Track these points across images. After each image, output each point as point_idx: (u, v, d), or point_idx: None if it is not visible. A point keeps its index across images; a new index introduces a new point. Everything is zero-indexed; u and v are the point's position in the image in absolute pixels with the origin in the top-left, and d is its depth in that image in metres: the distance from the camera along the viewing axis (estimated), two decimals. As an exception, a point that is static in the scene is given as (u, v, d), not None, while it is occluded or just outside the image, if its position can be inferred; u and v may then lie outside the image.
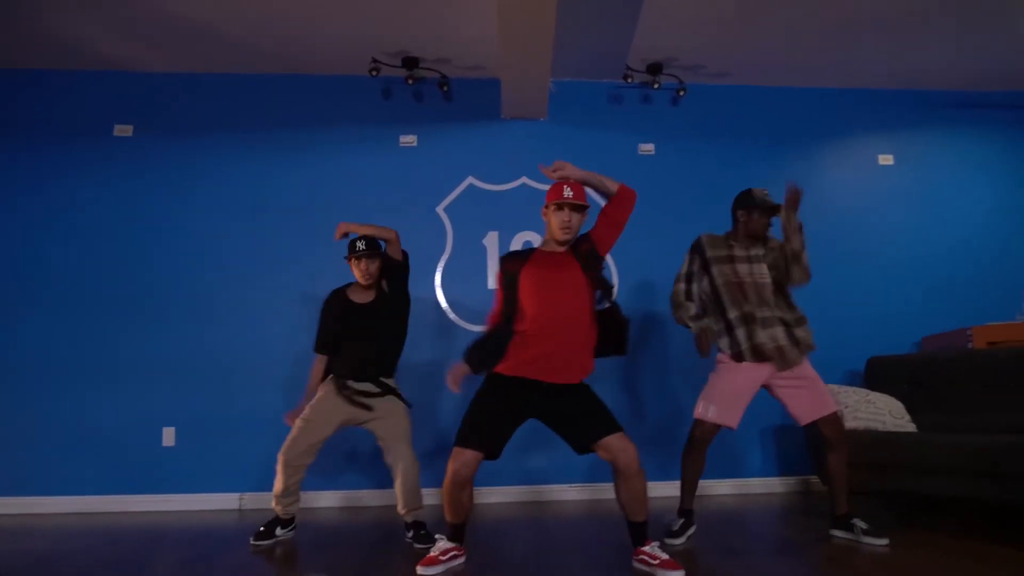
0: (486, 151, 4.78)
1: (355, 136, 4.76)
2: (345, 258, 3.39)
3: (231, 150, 4.69)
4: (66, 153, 4.58)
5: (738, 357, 3.09)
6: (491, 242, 4.68)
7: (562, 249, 2.79)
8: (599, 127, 4.90)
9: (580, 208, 2.76)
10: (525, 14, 3.57)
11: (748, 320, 3.09)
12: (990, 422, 3.55)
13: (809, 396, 3.07)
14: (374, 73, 4.52)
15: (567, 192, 2.72)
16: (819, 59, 4.75)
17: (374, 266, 3.35)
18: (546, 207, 2.80)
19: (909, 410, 3.96)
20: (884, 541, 2.87)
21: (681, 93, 4.87)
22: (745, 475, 4.55)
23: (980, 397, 3.72)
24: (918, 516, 3.55)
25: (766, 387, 3.15)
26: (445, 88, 4.72)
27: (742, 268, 3.16)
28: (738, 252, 3.19)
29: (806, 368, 3.10)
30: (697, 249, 3.28)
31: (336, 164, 4.71)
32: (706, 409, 3.10)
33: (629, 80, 4.76)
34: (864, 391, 4.04)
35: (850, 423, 3.82)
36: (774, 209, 3.20)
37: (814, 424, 3.07)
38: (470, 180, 4.75)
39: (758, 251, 3.21)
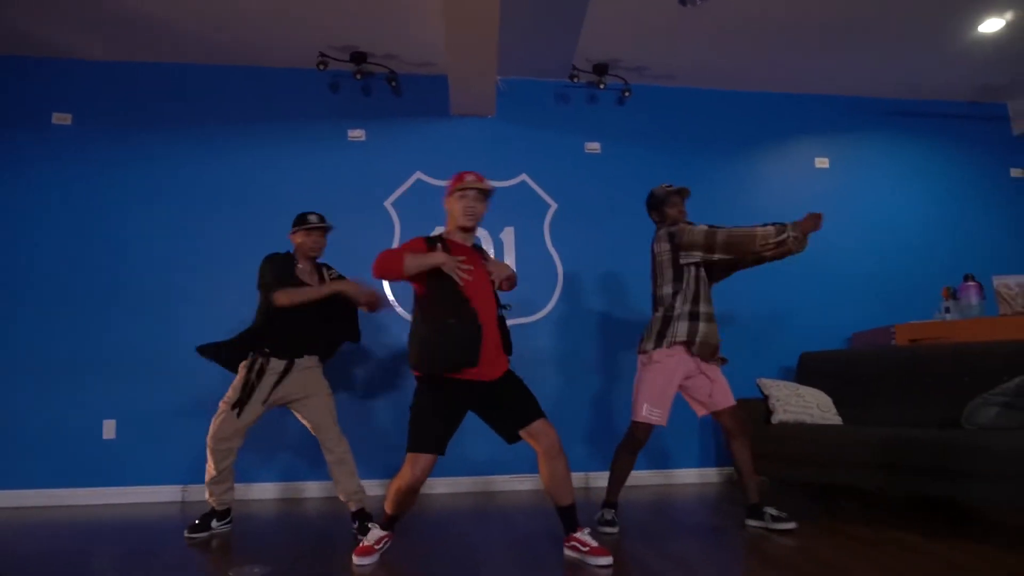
0: (434, 147, 4.83)
1: (303, 130, 4.76)
2: (294, 233, 3.35)
3: (175, 141, 4.65)
4: (3, 140, 4.49)
5: (688, 347, 3.20)
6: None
7: (469, 243, 2.82)
8: (547, 125, 4.98)
9: (484, 193, 2.75)
10: (470, 16, 3.62)
11: (709, 318, 3.24)
12: (907, 415, 3.75)
13: (715, 388, 3.23)
14: (322, 67, 4.53)
15: (469, 178, 2.73)
16: (760, 64, 4.91)
17: (323, 242, 3.38)
18: (449, 195, 2.78)
19: (837, 403, 4.15)
20: (792, 525, 3.04)
21: (626, 94, 4.98)
22: (680, 466, 4.70)
23: (899, 391, 3.93)
24: (841, 506, 3.74)
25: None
26: (393, 84, 4.74)
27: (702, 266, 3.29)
28: None
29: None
30: None
31: (284, 157, 4.71)
32: (650, 412, 3.18)
33: (576, 80, 4.86)
34: (794, 385, 4.21)
35: (780, 416, 3.99)
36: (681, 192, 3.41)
37: (717, 415, 3.23)
38: (418, 175, 4.80)
39: None
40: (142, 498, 4.23)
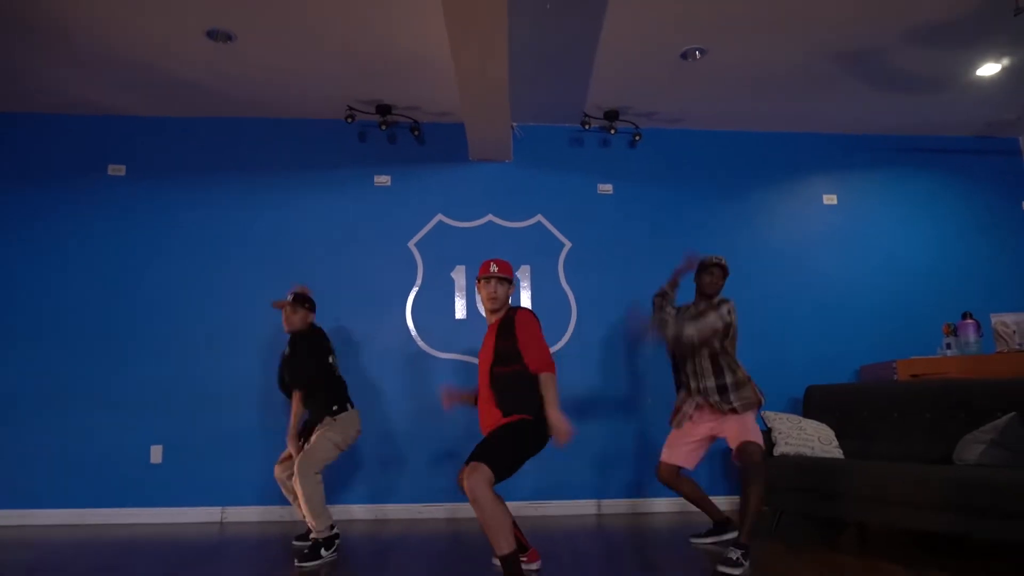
0: (455, 190, 5.16)
1: (333, 177, 5.14)
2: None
3: (218, 188, 5.07)
4: (63, 191, 4.96)
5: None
6: (459, 275, 5.04)
7: (492, 321, 3.22)
8: (561, 169, 5.28)
9: (504, 280, 3.20)
10: (481, 74, 3.93)
11: None
12: (905, 449, 3.89)
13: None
14: (350, 119, 4.91)
15: (493, 268, 3.19)
16: (764, 107, 5.12)
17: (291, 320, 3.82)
18: (477, 282, 3.25)
19: (840, 436, 4.29)
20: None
21: (637, 137, 5.23)
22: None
23: (899, 426, 4.06)
24: (836, 537, 3.88)
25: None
26: (416, 132, 5.10)
27: None
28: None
29: None
30: None
31: (315, 203, 5.08)
32: None
33: (588, 126, 5.14)
34: (797, 418, 4.37)
35: (781, 448, 4.15)
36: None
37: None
38: (439, 217, 5.12)
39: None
40: (185, 518, 4.60)
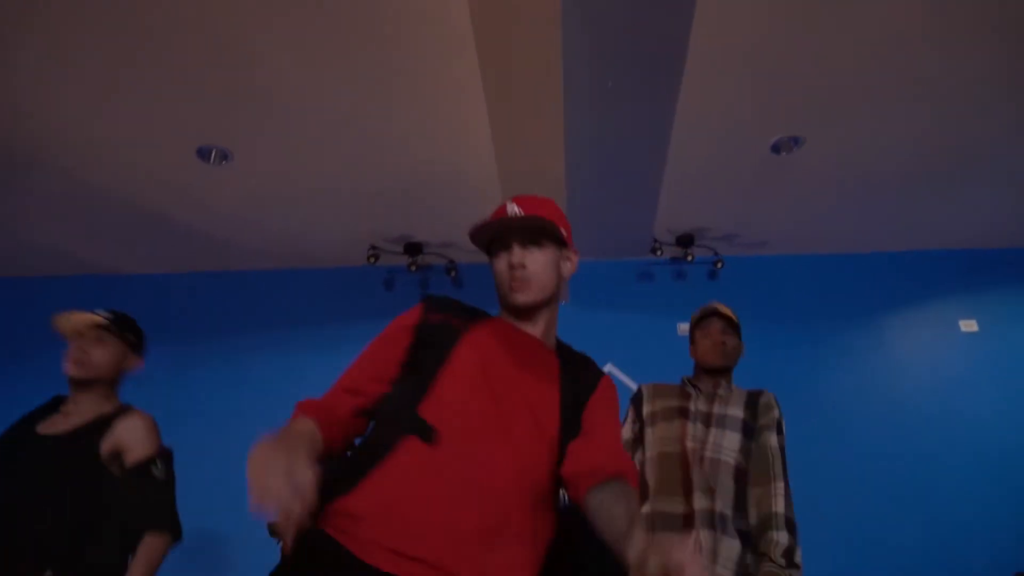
0: (502, 340, 4.22)
1: (358, 331, 4.26)
2: None
3: (239, 343, 4.40)
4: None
5: None
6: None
7: (537, 332, 1.55)
8: (629, 307, 4.37)
9: (536, 240, 1.49)
10: (527, 165, 3.15)
11: None
12: None
13: None
14: (372, 260, 4.10)
15: (513, 209, 1.51)
16: (864, 221, 4.23)
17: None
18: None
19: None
20: None
21: (718, 265, 4.35)
22: None
23: None
24: None
25: None
26: (453, 274, 4.27)
27: None
28: None
29: None
30: None
31: (342, 355, 4.16)
32: None
33: (659, 254, 4.28)
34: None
35: None
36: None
37: None
38: (485, 372, 4.15)
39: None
40: None
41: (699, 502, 2.19)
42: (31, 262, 4.32)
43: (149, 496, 2.13)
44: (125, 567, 2.04)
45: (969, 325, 4.34)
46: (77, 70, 2.80)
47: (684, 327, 4.25)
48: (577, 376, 1.51)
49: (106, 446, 2.10)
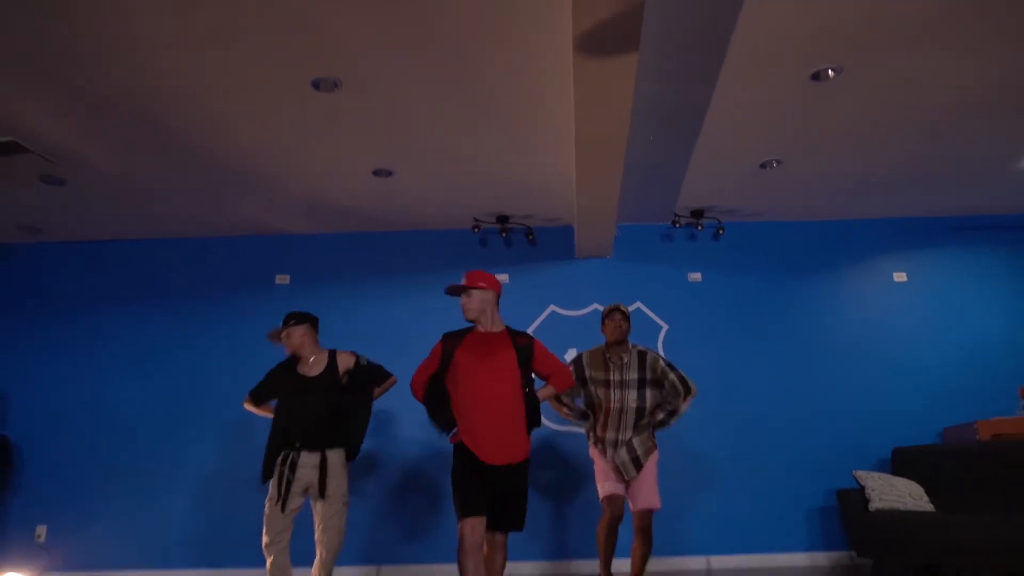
0: (564, 284, 6.00)
1: (458, 277, 6.00)
2: None
3: (362, 294, 6.04)
4: (239, 297, 6.01)
5: None
6: (570, 357, 5.75)
7: (497, 330, 3.43)
8: (655, 261, 6.08)
9: (462, 289, 3.40)
10: (596, 196, 4.79)
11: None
12: (993, 503, 4.35)
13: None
14: (476, 230, 5.84)
15: (463, 279, 3.45)
16: (835, 202, 5.83)
17: (292, 342, 4.03)
18: None
19: (929, 492, 4.75)
20: None
21: (720, 231, 6.02)
22: (790, 550, 5.34)
23: (984, 482, 4.53)
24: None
25: None
26: (530, 237, 5.99)
27: None
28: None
29: None
30: None
31: (440, 303, 5.92)
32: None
33: (677, 224, 5.94)
34: (888, 476, 4.85)
35: (876, 504, 4.63)
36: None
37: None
38: (551, 308, 5.94)
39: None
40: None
41: (620, 434, 4.08)
42: (227, 224, 6.05)
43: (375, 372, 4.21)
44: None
45: (900, 276, 6.00)
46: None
47: (693, 276, 5.99)
48: (520, 343, 3.44)
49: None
